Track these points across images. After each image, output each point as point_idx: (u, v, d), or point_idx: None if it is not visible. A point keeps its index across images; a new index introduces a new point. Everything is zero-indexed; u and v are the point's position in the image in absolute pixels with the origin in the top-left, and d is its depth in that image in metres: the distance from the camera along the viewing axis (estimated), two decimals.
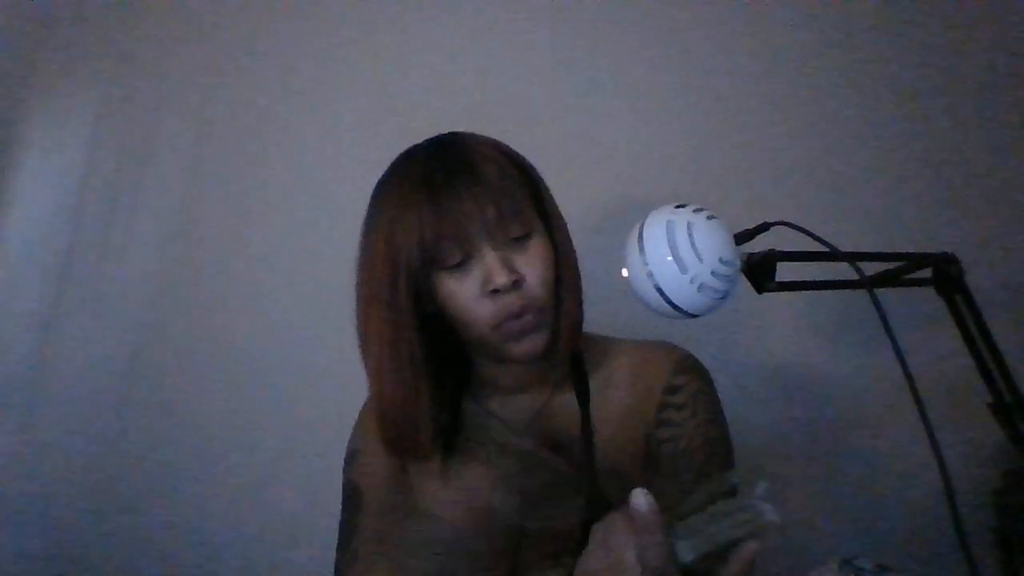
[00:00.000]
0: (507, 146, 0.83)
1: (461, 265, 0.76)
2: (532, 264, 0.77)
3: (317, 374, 1.43)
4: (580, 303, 0.83)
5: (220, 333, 1.54)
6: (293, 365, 1.46)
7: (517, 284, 0.75)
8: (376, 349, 0.80)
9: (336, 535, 0.90)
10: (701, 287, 0.70)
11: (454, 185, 0.76)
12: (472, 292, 0.76)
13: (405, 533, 0.86)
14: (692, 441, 0.79)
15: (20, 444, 1.63)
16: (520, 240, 0.77)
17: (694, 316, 0.72)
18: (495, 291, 0.74)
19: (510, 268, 0.75)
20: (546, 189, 0.84)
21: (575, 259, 0.84)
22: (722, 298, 0.72)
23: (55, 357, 1.67)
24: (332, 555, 0.89)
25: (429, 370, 0.80)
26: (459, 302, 0.76)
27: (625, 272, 0.74)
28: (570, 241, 0.84)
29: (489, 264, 0.75)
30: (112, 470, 1.54)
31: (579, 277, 0.83)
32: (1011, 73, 1.15)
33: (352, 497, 0.90)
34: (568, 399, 0.84)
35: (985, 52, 1.16)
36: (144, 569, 1.47)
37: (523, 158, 0.84)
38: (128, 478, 1.52)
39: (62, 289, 1.71)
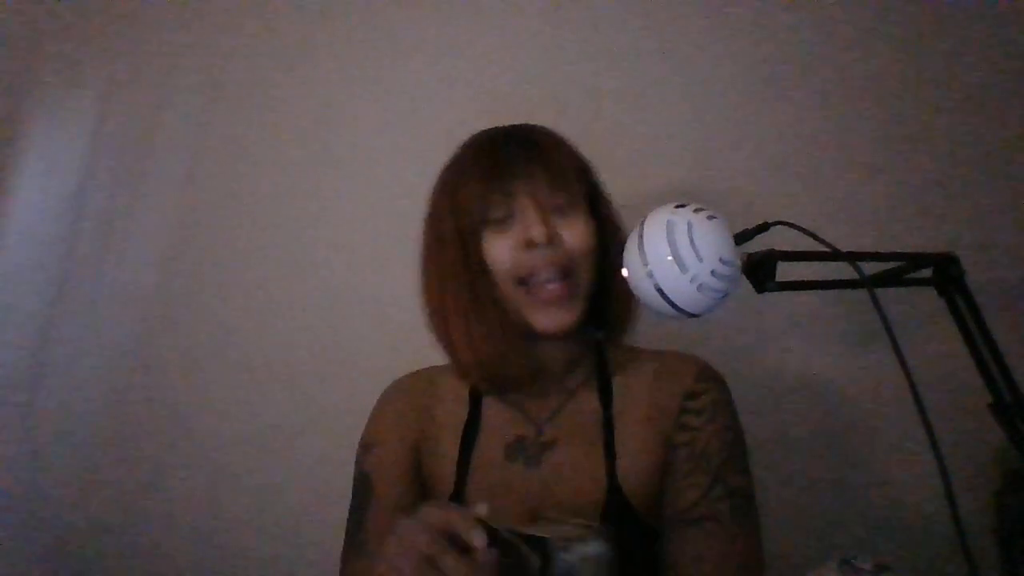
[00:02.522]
0: (567, 138, 0.89)
1: (506, 220, 0.81)
2: (574, 230, 0.81)
3: (317, 373, 1.43)
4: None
5: (220, 333, 1.53)
6: (293, 364, 1.46)
7: (553, 241, 0.78)
8: (453, 300, 0.82)
9: (343, 528, 0.90)
10: (701, 287, 0.70)
11: (511, 150, 0.82)
12: (510, 245, 0.80)
13: (404, 500, 0.87)
14: (709, 445, 0.80)
15: (20, 444, 1.63)
16: (564, 210, 0.81)
17: (694, 316, 0.72)
18: (531, 244, 0.78)
19: (548, 224, 0.79)
20: (596, 178, 0.89)
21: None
22: (722, 298, 0.72)
23: (55, 357, 1.67)
24: (336, 552, 0.89)
25: (505, 309, 0.82)
26: (496, 254, 0.80)
27: (625, 272, 0.74)
28: (619, 226, 0.88)
29: (528, 219, 0.79)
30: (112, 470, 1.53)
31: None
32: (1011, 73, 1.15)
33: (364, 487, 0.89)
34: (591, 398, 0.86)
35: (985, 52, 1.16)
36: (144, 568, 1.47)
37: (579, 150, 0.89)
38: (128, 478, 1.52)
39: (62, 289, 1.71)
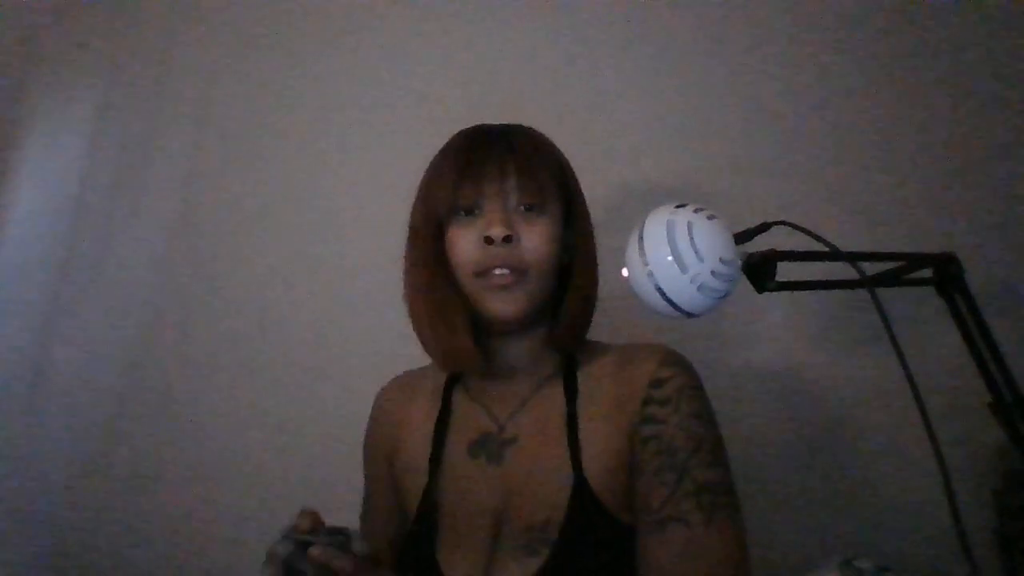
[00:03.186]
0: (551, 141, 0.91)
1: (471, 213, 0.83)
2: (533, 234, 0.82)
3: (316, 370, 1.43)
4: (593, 294, 0.87)
5: (219, 331, 1.54)
6: (292, 362, 1.46)
7: (509, 239, 0.80)
8: (416, 284, 0.87)
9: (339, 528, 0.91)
10: (701, 287, 0.70)
11: (488, 147, 0.85)
12: (470, 238, 0.82)
13: (389, 504, 0.93)
14: (675, 437, 0.77)
15: (20, 443, 1.63)
16: (531, 210, 0.83)
17: (694, 316, 0.72)
18: (488, 240, 0.80)
19: (507, 224, 0.80)
20: (578, 189, 0.90)
21: (594, 257, 0.89)
22: (722, 297, 0.72)
23: (55, 356, 1.67)
24: None
25: (459, 296, 0.85)
26: (457, 245, 0.83)
27: (625, 272, 0.74)
28: (592, 241, 0.89)
29: (490, 216, 0.81)
30: (112, 468, 1.54)
31: (595, 273, 0.88)
32: (1011, 73, 1.15)
33: (366, 492, 0.98)
34: (556, 393, 0.85)
35: (985, 51, 1.16)
36: (145, 567, 1.47)
37: (562, 154, 0.90)
38: (128, 476, 1.52)
39: (62, 288, 1.71)
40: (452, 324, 0.84)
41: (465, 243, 0.82)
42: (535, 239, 0.82)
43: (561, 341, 0.86)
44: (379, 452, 0.95)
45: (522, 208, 0.82)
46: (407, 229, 0.90)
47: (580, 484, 0.78)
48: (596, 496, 0.77)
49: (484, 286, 0.82)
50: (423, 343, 0.88)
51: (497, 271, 0.81)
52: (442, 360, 0.87)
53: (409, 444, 0.91)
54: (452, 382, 0.93)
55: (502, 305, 0.82)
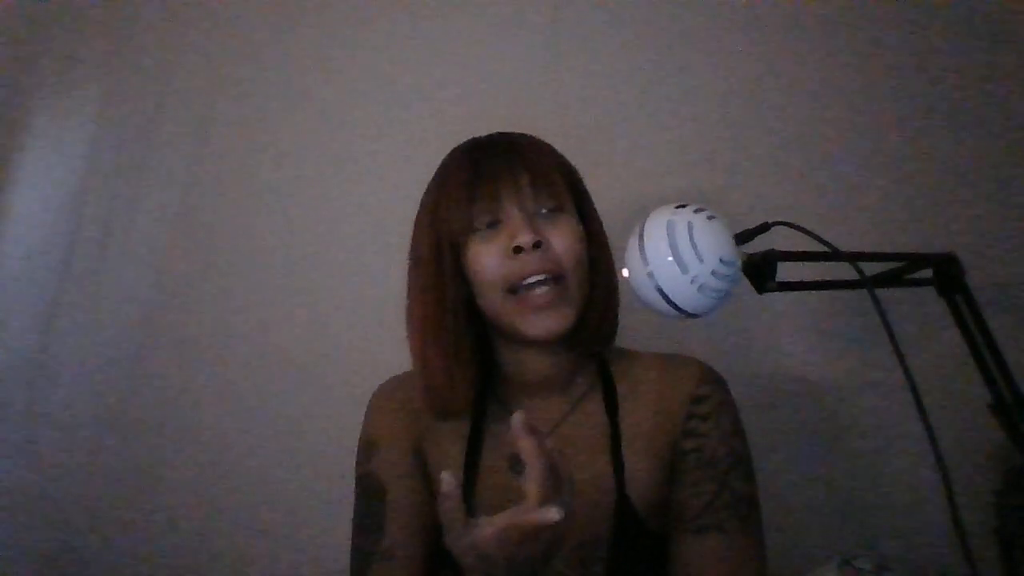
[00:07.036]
0: (550, 144, 0.88)
1: (491, 227, 0.79)
2: (561, 235, 0.79)
3: (317, 371, 1.43)
4: (615, 291, 0.85)
5: (220, 332, 1.54)
6: (294, 360, 1.46)
7: (539, 245, 0.77)
8: (420, 314, 0.82)
9: (342, 527, 0.88)
10: (702, 287, 0.70)
11: (494, 157, 0.81)
12: (496, 252, 0.78)
13: (417, 498, 0.85)
14: (717, 451, 0.79)
15: (20, 442, 1.63)
16: (551, 212, 0.80)
17: (695, 316, 0.72)
18: (518, 249, 0.76)
19: (535, 229, 0.77)
20: (582, 183, 0.88)
21: (609, 250, 0.86)
22: (722, 298, 0.72)
23: (55, 356, 1.67)
24: (332, 552, 0.89)
25: (468, 331, 0.81)
26: (482, 262, 0.78)
27: (626, 272, 0.74)
28: (605, 236, 0.87)
29: (515, 224, 0.77)
30: (112, 468, 1.54)
31: (613, 269, 0.86)
32: (1011, 73, 1.14)
33: (373, 489, 0.86)
34: (594, 408, 0.84)
35: (984, 52, 1.16)
36: (144, 567, 1.47)
37: (562, 155, 0.88)
38: (128, 476, 1.52)
39: (62, 288, 1.71)
40: (451, 371, 0.80)
41: (490, 258, 0.78)
42: (565, 239, 0.79)
43: (591, 342, 0.83)
44: (401, 443, 0.87)
45: (543, 211, 0.80)
46: (409, 261, 0.85)
47: (622, 500, 0.79)
48: (636, 511, 0.79)
49: (520, 307, 0.78)
50: (419, 375, 0.83)
51: (537, 290, 0.77)
52: (426, 405, 0.83)
53: (439, 448, 0.86)
54: (483, 389, 0.88)
55: (546, 324, 0.78)
